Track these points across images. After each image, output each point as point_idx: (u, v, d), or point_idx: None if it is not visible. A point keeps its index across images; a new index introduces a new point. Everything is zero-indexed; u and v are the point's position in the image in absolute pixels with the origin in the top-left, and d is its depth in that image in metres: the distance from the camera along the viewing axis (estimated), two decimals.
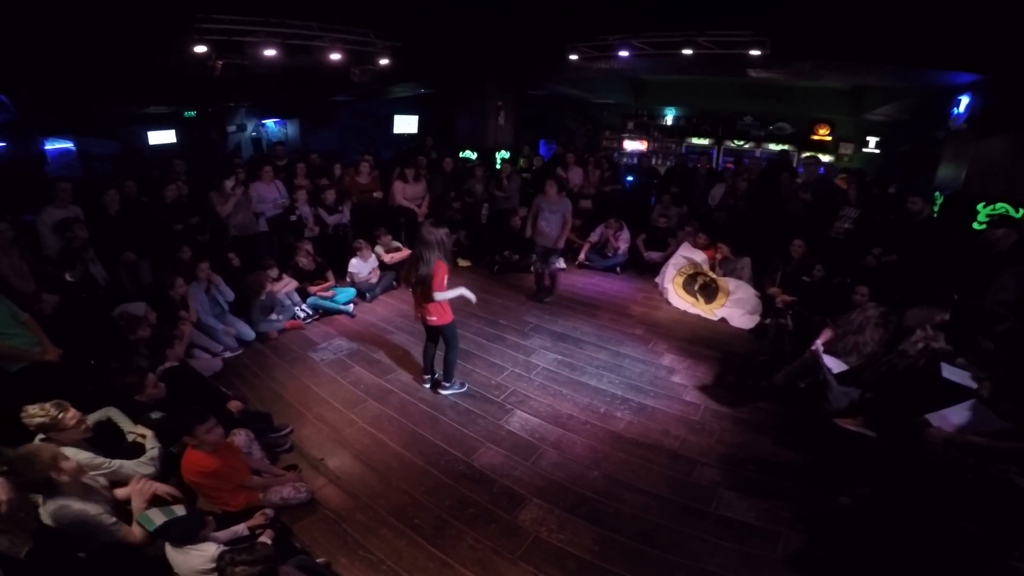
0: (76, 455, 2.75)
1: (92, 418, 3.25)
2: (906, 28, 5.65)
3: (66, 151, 9.57)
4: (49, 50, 5.92)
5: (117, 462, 3.02)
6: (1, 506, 2.26)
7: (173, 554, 2.54)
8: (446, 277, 4.32)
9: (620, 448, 4.14)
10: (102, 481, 2.91)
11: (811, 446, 4.11)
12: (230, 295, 5.71)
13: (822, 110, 10.34)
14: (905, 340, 4.25)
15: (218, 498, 3.10)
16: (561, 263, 6.86)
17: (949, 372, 3.87)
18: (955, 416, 3.43)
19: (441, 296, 4.32)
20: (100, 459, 2.97)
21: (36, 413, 2.69)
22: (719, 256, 6.84)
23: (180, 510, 2.65)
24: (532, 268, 6.87)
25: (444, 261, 4.30)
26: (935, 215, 6.32)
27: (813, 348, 4.49)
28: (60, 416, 2.73)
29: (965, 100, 6.64)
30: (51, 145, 9.32)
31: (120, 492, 2.92)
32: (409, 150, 10.83)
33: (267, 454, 3.82)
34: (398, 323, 6.25)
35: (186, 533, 2.58)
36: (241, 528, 2.95)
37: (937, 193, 6.73)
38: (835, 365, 4.44)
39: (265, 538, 2.91)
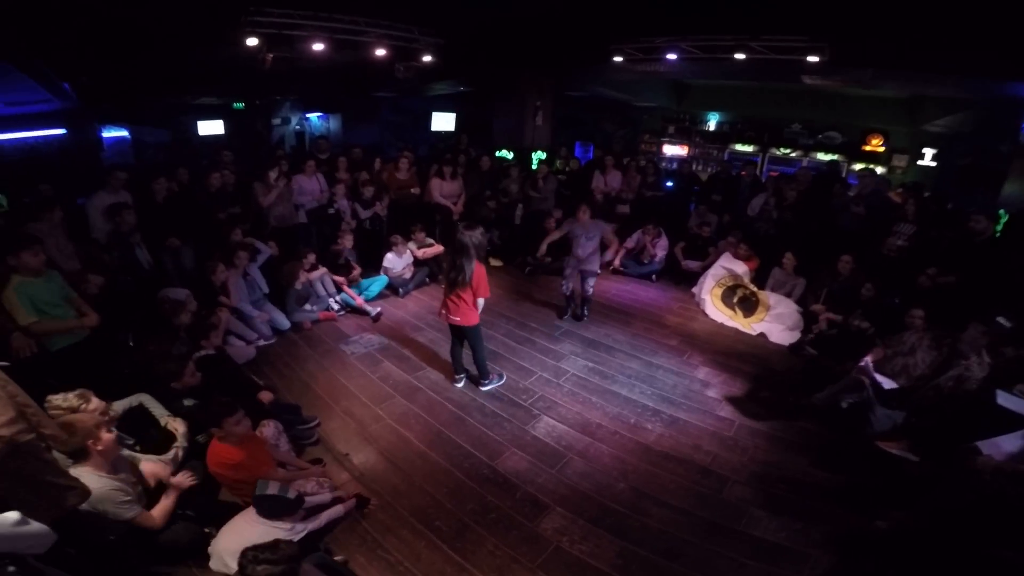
0: None
1: (122, 404, 3.31)
2: (977, 36, 5.31)
3: (121, 139, 9.94)
4: (109, 43, 6.15)
5: (140, 456, 3.08)
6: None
7: (237, 529, 2.69)
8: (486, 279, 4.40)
9: (649, 460, 4.02)
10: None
11: (848, 468, 3.95)
12: (265, 287, 5.79)
13: (876, 119, 9.81)
14: (957, 364, 4.03)
15: (241, 490, 3.10)
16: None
17: (1005, 399, 3.66)
18: (1008, 444, 3.28)
19: (483, 303, 4.47)
20: (125, 450, 3.03)
21: (60, 404, 2.64)
22: (784, 265, 6.44)
23: (293, 492, 2.79)
24: (563, 289, 6.35)
25: (480, 263, 4.35)
26: (998, 234, 5.92)
27: (862, 365, 4.29)
28: (82, 406, 2.68)
29: None
30: (108, 133, 9.69)
31: (147, 468, 3.00)
32: (445, 147, 10.84)
33: (293, 446, 3.85)
34: (429, 320, 6.25)
35: (272, 511, 2.71)
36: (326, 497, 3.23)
37: (1001, 211, 6.33)
38: (884, 383, 4.27)
39: (343, 509, 3.24)
